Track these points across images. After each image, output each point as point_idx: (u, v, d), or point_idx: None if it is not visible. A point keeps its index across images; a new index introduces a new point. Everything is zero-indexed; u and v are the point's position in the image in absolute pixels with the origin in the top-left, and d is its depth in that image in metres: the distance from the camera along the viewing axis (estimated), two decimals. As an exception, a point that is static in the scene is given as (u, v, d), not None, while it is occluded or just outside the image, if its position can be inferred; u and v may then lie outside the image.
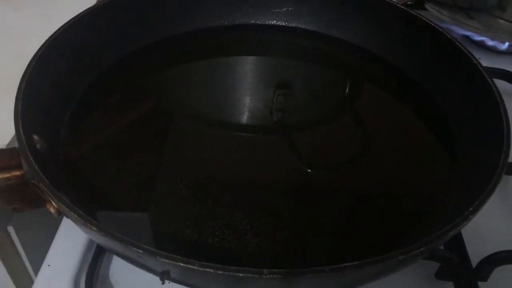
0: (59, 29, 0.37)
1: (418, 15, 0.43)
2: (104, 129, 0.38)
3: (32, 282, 0.42)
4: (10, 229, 0.38)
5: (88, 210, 0.27)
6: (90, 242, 0.34)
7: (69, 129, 0.36)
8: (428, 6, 0.56)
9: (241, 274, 0.23)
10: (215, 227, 0.32)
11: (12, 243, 0.39)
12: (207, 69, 0.47)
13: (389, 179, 0.38)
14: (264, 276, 0.23)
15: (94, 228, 0.24)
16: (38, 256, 0.35)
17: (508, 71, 0.48)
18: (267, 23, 0.49)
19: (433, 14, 0.55)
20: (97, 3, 0.42)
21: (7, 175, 0.27)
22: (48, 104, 0.34)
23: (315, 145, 0.40)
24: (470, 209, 0.27)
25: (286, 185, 0.36)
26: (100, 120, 0.39)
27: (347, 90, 0.47)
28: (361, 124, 0.43)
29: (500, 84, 0.45)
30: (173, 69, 0.47)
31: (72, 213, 0.25)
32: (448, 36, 0.41)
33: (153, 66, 0.45)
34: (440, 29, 0.42)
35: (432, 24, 0.42)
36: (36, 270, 0.42)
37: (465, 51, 0.40)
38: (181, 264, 0.23)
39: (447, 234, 0.26)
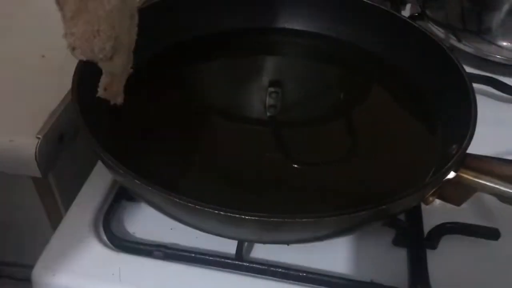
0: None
1: (417, 25, 0.50)
2: (142, 110, 0.45)
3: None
4: (50, 177, 0.46)
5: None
6: (111, 190, 0.42)
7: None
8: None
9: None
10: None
11: (51, 189, 0.47)
12: (228, 66, 0.54)
13: (375, 174, 0.42)
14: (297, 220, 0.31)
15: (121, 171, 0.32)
16: (70, 201, 0.43)
17: (491, 76, 0.54)
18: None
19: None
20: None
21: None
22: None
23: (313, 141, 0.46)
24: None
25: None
26: (140, 101, 0.45)
27: (354, 90, 0.53)
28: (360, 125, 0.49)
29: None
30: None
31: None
32: (435, 39, 0.48)
33: (183, 60, 0.52)
34: (429, 34, 0.48)
35: (421, 29, 0.49)
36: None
37: (452, 56, 0.45)
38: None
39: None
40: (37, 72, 0.48)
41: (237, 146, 0.45)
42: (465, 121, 0.39)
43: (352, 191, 0.41)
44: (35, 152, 0.41)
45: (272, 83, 0.52)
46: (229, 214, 0.31)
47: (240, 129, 0.47)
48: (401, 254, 0.39)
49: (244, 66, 0.55)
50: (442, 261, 0.38)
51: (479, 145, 0.37)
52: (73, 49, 0.34)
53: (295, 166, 0.44)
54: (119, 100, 0.40)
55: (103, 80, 0.38)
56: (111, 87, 0.38)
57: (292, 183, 0.42)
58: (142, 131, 0.44)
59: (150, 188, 0.32)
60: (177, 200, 0.31)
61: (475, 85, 0.43)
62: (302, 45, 0.56)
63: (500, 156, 0.45)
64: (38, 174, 0.43)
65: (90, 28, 0.33)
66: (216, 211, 0.31)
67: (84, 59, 0.35)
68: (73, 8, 0.33)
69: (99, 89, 0.38)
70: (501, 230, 0.38)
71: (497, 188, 0.33)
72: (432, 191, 0.35)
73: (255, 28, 0.55)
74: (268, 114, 0.49)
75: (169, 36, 0.51)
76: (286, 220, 0.31)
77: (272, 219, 0.31)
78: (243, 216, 0.31)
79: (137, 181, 0.32)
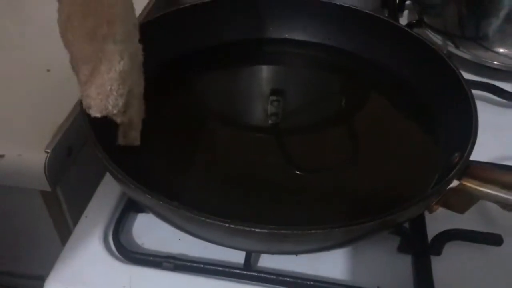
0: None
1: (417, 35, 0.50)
2: (147, 121, 0.44)
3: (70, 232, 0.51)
4: (58, 190, 0.46)
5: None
6: (120, 202, 0.43)
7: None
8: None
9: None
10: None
11: (59, 202, 0.48)
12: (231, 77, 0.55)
13: (378, 181, 0.43)
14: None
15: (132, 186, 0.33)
16: (78, 214, 0.44)
17: (489, 83, 0.55)
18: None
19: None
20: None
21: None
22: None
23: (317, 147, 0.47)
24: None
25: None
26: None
27: (354, 99, 0.54)
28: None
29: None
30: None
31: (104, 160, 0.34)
32: (434, 48, 0.49)
33: (185, 72, 0.53)
34: (427, 42, 0.49)
35: (419, 37, 0.50)
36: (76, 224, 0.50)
37: (451, 64, 0.46)
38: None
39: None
40: (43, 86, 0.49)
41: (240, 154, 0.46)
42: (466, 129, 0.40)
43: (355, 199, 0.42)
44: (44, 166, 0.42)
45: (273, 92, 0.53)
46: (238, 227, 0.31)
47: (243, 137, 0.48)
48: (406, 261, 0.39)
49: (246, 76, 0.56)
50: (446, 267, 0.39)
51: (479, 151, 0.38)
52: (88, 108, 0.37)
53: (298, 173, 0.44)
54: (136, 143, 0.41)
55: (121, 130, 0.40)
56: (128, 135, 0.40)
57: (295, 190, 0.42)
58: (148, 141, 0.45)
59: (160, 202, 0.32)
60: (188, 214, 0.32)
61: (473, 91, 0.44)
62: (302, 54, 0.56)
63: (500, 162, 0.46)
64: (47, 187, 0.43)
65: (103, 89, 0.36)
66: (226, 224, 0.31)
67: (99, 116, 0.37)
68: (87, 73, 0.35)
69: (118, 138, 0.40)
70: (504, 236, 0.39)
71: (500, 196, 0.34)
72: (436, 200, 0.36)
73: (256, 39, 0.56)
74: (270, 122, 0.49)
75: (172, 48, 0.52)
76: (295, 232, 0.31)
77: (281, 231, 0.32)
78: (252, 229, 0.31)
79: (148, 196, 0.33)
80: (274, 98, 0.52)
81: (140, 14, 0.58)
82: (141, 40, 0.40)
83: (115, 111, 0.37)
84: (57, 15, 0.35)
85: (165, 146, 0.45)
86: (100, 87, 0.35)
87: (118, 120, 0.39)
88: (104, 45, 0.35)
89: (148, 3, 0.61)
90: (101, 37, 0.35)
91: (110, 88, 0.36)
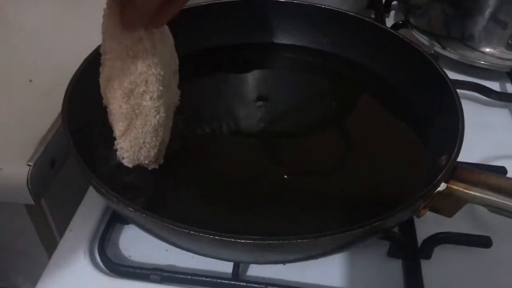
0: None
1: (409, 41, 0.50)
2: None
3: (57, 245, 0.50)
4: (43, 202, 0.46)
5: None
6: (105, 214, 0.42)
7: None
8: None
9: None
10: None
11: (44, 214, 0.47)
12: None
13: (366, 185, 0.43)
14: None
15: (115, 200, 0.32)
16: (64, 225, 0.43)
17: (476, 82, 0.55)
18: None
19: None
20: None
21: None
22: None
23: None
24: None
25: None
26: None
27: (343, 101, 0.53)
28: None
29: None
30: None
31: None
32: (419, 49, 0.48)
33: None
34: (412, 44, 0.49)
35: (404, 39, 0.50)
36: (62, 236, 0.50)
37: (436, 65, 0.46)
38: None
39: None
40: (25, 97, 0.48)
41: (227, 160, 0.45)
42: (452, 131, 0.40)
43: (344, 203, 0.41)
44: (27, 180, 0.41)
45: (262, 97, 0.52)
46: (223, 238, 0.31)
47: (230, 142, 0.48)
48: (396, 265, 0.39)
49: (234, 81, 0.55)
50: (436, 270, 0.39)
51: (466, 151, 0.38)
52: (122, 158, 0.39)
53: (286, 177, 0.44)
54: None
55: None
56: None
57: (283, 195, 0.42)
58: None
59: (144, 215, 0.32)
60: (171, 227, 0.31)
61: (461, 91, 0.44)
62: (290, 58, 0.56)
63: (488, 162, 0.46)
64: (30, 201, 0.42)
65: (136, 142, 0.37)
66: (211, 236, 0.31)
67: (131, 166, 0.39)
68: (122, 129, 0.37)
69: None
70: (493, 238, 0.39)
71: (486, 198, 0.34)
72: (424, 204, 0.36)
73: (243, 44, 0.55)
74: (258, 127, 0.49)
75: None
76: (281, 242, 0.31)
77: (266, 242, 0.31)
78: (238, 240, 0.31)
79: (131, 209, 0.32)
80: (261, 103, 0.51)
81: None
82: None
83: (146, 161, 0.39)
84: (100, 74, 0.36)
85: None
86: (134, 140, 0.37)
87: (149, 167, 0.40)
88: (142, 102, 0.36)
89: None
90: (139, 95, 0.36)
91: (144, 141, 0.37)
